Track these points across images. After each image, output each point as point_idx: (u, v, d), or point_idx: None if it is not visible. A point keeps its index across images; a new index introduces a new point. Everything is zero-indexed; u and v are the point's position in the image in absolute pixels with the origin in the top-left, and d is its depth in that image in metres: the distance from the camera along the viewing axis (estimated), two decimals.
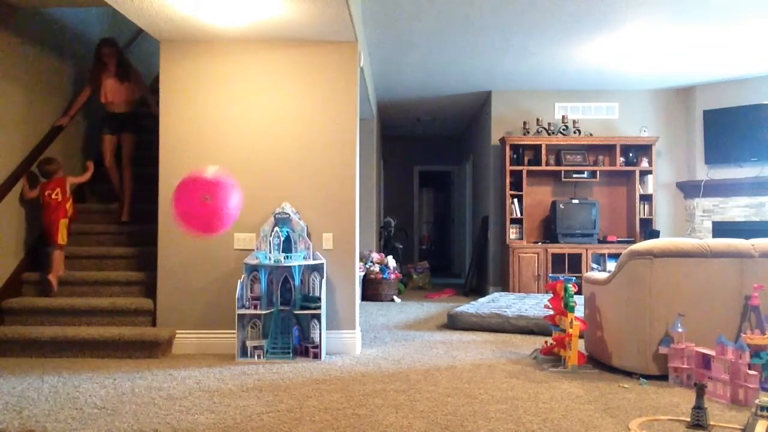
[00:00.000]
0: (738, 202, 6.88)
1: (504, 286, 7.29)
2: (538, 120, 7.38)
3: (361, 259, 7.03)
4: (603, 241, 7.22)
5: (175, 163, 4.42)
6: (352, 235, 4.44)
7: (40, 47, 4.87)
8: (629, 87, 7.37)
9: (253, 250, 4.29)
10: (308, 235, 4.27)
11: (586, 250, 7.01)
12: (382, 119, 9.61)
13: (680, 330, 3.46)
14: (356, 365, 4.00)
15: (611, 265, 6.53)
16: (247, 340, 4.12)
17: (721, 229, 6.98)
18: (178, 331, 4.35)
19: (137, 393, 3.29)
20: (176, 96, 4.44)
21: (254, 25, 4.12)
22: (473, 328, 5.33)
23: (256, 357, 4.11)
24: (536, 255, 7.05)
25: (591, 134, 7.39)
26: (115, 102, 5.11)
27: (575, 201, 7.22)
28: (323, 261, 4.28)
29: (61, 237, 4.60)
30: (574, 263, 7.00)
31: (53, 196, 4.63)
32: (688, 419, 2.76)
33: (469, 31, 5.34)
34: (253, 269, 4.20)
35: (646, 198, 7.25)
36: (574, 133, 7.37)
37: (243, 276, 4.16)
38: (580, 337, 3.88)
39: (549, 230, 7.30)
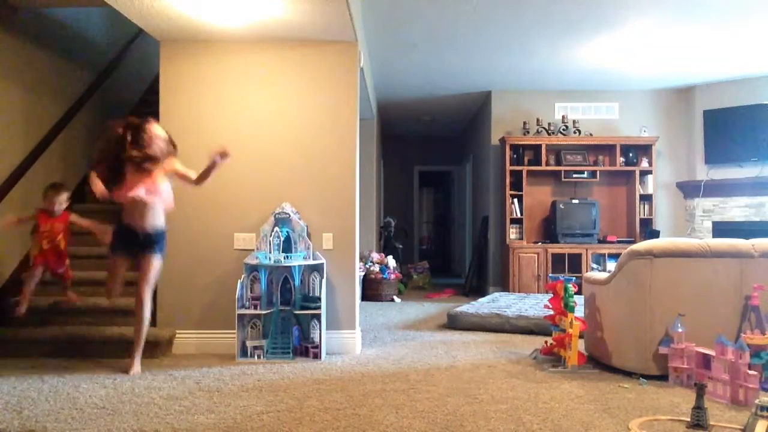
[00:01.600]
0: (738, 202, 6.88)
1: (504, 286, 7.29)
2: (538, 120, 7.38)
3: (361, 259, 7.03)
4: (603, 241, 7.22)
5: None
6: (352, 235, 4.44)
7: (40, 47, 4.87)
8: (629, 87, 7.37)
9: (253, 250, 4.29)
10: (308, 235, 4.27)
11: (586, 250, 7.01)
12: (382, 119, 9.61)
13: (680, 330, 3.46)
14: (356, 365, 4.00)
15: (611, 265, 6.52)
16: (247, 340, 4.12)
17: (721, 229, 6.98)
18: (178, 331, 4.35)
19: (137, 393, 3.29)
20: (176, 96, 4.44)
21: (254, 25, 4.12)
22: (473, 328, 5.33)
23: (256, 357, 4.10)
24: (536, 255, 7.05)
25: (591, 134, 7.39)
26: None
27: (575, 201, 7.22)
28: (323, 261, 4.28)
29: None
30: (574, 263, 7.00)
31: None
32: (688, 419, 2.76)
33: (469, 31, 5.34)
34: (253, 269, 4.20)
35: (646, 198, 7.25)
36: (574, 133, 7.37)
37: (243, 276, 4.16)
38: (580, 337, 3.88)
39: (549, 230, 7.30)
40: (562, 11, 4.85)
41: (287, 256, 4.16)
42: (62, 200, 4.18)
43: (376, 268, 7.51)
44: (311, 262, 4.23)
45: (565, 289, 3.94)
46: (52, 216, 4.17)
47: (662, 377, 3.54)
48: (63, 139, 5.14)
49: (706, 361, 3.37)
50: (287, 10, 3.81)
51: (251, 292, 4.19)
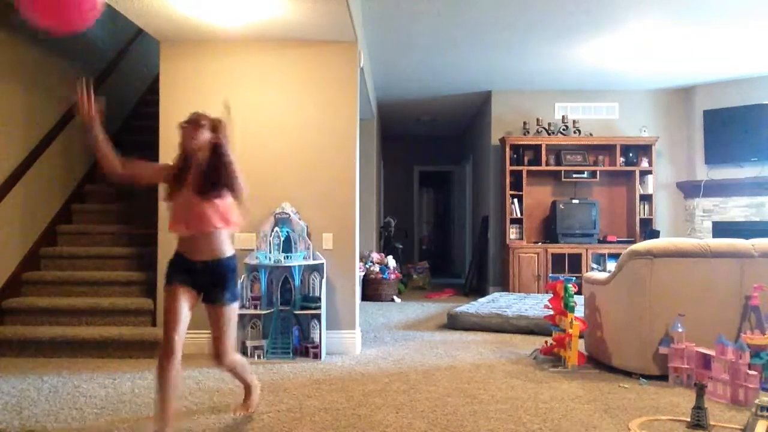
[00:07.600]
0: (738, 202, 6.88)
1: (504, 286, 7.29)
2: (538, 120, 7.38)
3: (361, 259, 7.03)
4: (603, 241, 7.22)
5: None
6: (352, 235, 4.44)
7: (40, 47, 4.87)
8: (629, 87, 7.37)
9: (253, 250, 4.29)
10: (308, 235, 4.27)
11: (586, 250, 7.01)
12: (382, 119, 9.60)
13: (680, 330, 3.46)
14: (356, 365, 4.00)
15: (611, 265, 6.52)
16: (247, 340, 4.12)
17: (721, 229, 6.97)
18: None
19: (137, 393, 3.29)
20: (176, 96, 4.44)
21: (254, 25, 4.12)
22: (473, 328, 5.32)
23: (256, 357, 4.10)
24: (536, 255, 7.05)
25: (591, 134, 7.39)
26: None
27: (575, 201, 7.22)
28: (323, 261, 4.28)
29: None
30: (574, 263, 6.99)
31: None
32: (688, 419, 2.76)
33: (469, 30, 5.34)
34: (253, 269, 4.20)
35: (646, 198, 7.25)
36: (574, 133, 7.37)
37: (243, 276, 4.16)
38: (580, 337, 3.89)
39: (549, 230, 7.30)
40: (562, 11, 4.85)
41: (287, 256, 4.16)
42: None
43: (376, 268, 7.50)
44: (311, 262, 4.23)
45: (565, 289, 3.94)
46: None
47: (662, 377, 3.54)
48: (63, 139, 5.13)
49: (706, 361, 3.37)
50: (287, 10, 3.81)
51: (251, 292, 4.19)
